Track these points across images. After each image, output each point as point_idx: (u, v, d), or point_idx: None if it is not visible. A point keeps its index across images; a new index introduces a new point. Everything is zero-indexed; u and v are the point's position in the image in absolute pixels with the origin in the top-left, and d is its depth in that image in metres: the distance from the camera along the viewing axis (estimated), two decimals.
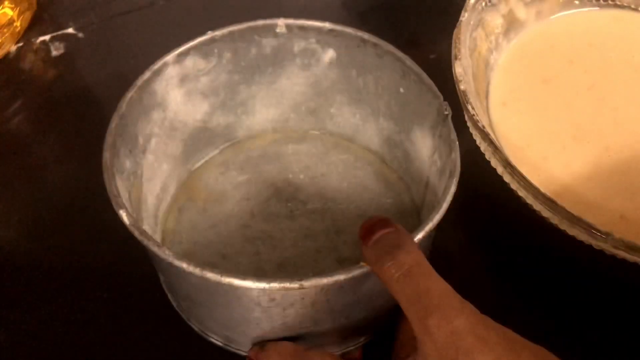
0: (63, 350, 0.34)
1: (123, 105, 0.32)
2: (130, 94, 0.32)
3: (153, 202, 0.35)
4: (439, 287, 0.24)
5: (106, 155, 0.30)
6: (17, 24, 0.47)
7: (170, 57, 0.34)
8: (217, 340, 0.32)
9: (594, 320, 0.33)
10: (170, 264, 0.26)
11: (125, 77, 0.44)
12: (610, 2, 0.37)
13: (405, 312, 0.24)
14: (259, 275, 0.34)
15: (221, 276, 0.26)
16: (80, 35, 0.49)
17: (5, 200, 0.40)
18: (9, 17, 0.47)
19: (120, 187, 0.30)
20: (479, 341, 0.22)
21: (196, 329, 0.33)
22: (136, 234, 0.28)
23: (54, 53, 0.48)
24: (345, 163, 0.39)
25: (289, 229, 0.36)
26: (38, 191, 0.40)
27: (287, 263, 0.35)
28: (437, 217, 0.28)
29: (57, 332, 0.34)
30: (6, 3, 0.47)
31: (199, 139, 0.38)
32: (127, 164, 0.32)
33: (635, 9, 0.38)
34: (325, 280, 0.26)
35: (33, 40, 0.49)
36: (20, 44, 0.48)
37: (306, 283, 0.26)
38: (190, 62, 0.35)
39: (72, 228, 0.38)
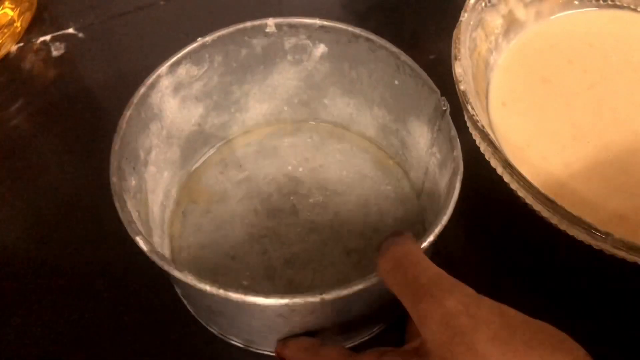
0: (65, 351, 0.34)
1: (123, 125, 0.31)
2: (128, 112, 0.32)
3: (158, 212, 0.35)
4: (427, 272, 0.24)
5: (114, 180, 0.30)
6: (18, 24, 0.47)
7: (163, 68, 0.33)
8: (237, 342, 0.34)
9: (594, 320, 0.34)
10: (192, 286, 0.27)
11: (125, 77, 0.45)
12: (609, 2, 0.37)
13: (401, 302, 0.24)
14: (269, 272, 0.36)
15: (245, 296, 0.26)
16: (81, 35, 0.48)
17: (5, 200, 0.40)
18: (10, 17, 0.46)
19: (130, 208, 0.30)
20: (472, 320, 0.21)
21: (215, 332, 0.34)
22: (156, 260, 0.28)
23: (55, 53, 0.47)
24: (342, 152, 0.40)
25: (294, 224, 0.37)
26: (38, 191, 0.40)
27: (295, 258, 0.36)
28: (444, 219, 0.29)
29: (59, 333, 0.34)
30: (6, 3, 0.46)
31: (195, 140, 0.38)
32: (133, 181, 0.32)
33: (635, 9, 0.38)
34: (345, 292, 0.27)
35: (33, 40, 0.48)
36: (21, 44, 0.48)
37: (327, 296, 0.27)
38: (182, 70, 0.34)
39: (72, 228, 0.38)
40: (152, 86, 0.33)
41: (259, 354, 0.34)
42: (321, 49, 0.36)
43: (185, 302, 0.35)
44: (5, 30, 0.46)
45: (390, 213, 0.38)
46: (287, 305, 0.27)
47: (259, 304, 0.27)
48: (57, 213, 0.39)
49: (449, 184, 0.31)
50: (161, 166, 0.36)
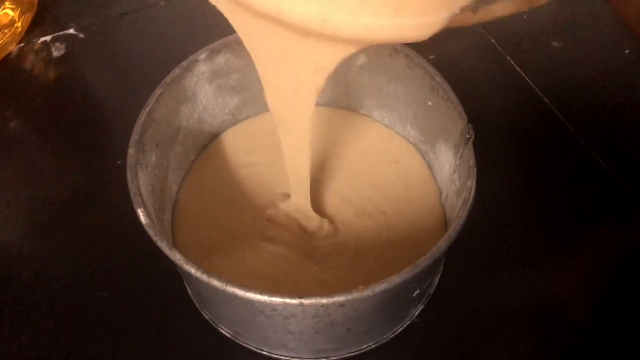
0: (66, 351, 0.34)
1: (151, 102, 0.32)
2: (159, 90, 0.32)
3: (176, 190, 0.36)
4: None
5: (130, 152, 0.31)
6: (18, 24, 0.47)
7: (202, 54, 0.34)
8: (226, 332, 0.34)
9: None
10: (179, 266, 0.28)
11: (126, 77, 0.44)
12: None
13: None
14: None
15: (226, 285, 0.26)
16: (82, 35, 0.48)
17: (5, 200, 0.40)
18: (10, 17, 0.46)
19: (143, 182, 0.30)
20: None
21: (207, 317, 0.35)
22: (151, 234, 0.28)
23: (55, 54, 0.47)
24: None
25: None
26: (38, 191, 0.40)
27: None
28: (435, 250, 0.28)
29: (60, 334, 0.34)
30: (7, 4, 0.46)
31: (227, 129, 0.39)
32: (153, 157, 0.33)
33: None
34: (324, 300, 0.26)
35: (34, 40, 0.48)
36: (21, 45, 0.48)
37: (306, 301, 0.26)
38: (222, 59, 0.35)
39: (72, 228, 0.38)
40: (188, 69, 0.34)
41: (244, 347, 0.34)
42: (361, 59, 0.36)
43: (186, 284, 0.36)
44: (6, 31, 0.46)
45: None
46: (264, 302, 0.27)
47: (240, 297, 0.27)
48: (57, 213, 0.39)
49: (457, 214, 0.29)
50: (189, 149, 0.37)
